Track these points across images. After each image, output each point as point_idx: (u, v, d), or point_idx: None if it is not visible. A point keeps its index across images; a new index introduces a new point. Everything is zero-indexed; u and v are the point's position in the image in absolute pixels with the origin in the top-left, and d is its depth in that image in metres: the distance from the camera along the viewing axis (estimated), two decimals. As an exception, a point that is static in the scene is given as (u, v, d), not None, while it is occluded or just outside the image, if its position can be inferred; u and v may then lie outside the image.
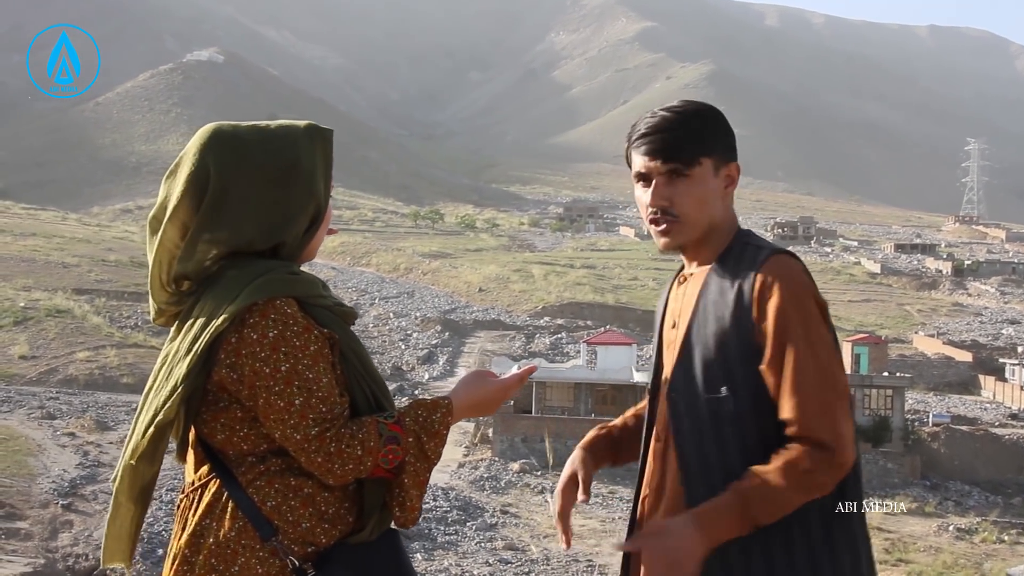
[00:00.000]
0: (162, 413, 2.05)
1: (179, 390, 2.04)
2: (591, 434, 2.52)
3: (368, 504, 2.12)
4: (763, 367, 2.09)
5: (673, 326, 2.32)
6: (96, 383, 39.00)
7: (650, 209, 2.27)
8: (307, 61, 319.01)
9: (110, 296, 52.81)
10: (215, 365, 2.04)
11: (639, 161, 2.29)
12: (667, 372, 2.29)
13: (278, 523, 2.04)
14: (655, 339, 2.42)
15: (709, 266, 2.27)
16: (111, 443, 29.26)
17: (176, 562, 2.09)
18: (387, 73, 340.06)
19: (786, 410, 2.06)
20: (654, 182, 2.27)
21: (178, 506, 2.17)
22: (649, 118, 2.31)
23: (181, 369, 2.04)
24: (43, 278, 53.86)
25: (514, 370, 2.29)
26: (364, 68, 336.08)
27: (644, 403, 2.45)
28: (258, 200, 2.10)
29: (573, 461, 2.44)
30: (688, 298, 2.29)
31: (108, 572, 20.46)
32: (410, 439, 2.06)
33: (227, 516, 2.06)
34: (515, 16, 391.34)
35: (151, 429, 2.06)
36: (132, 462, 2.10)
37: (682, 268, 2.39)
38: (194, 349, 2.03)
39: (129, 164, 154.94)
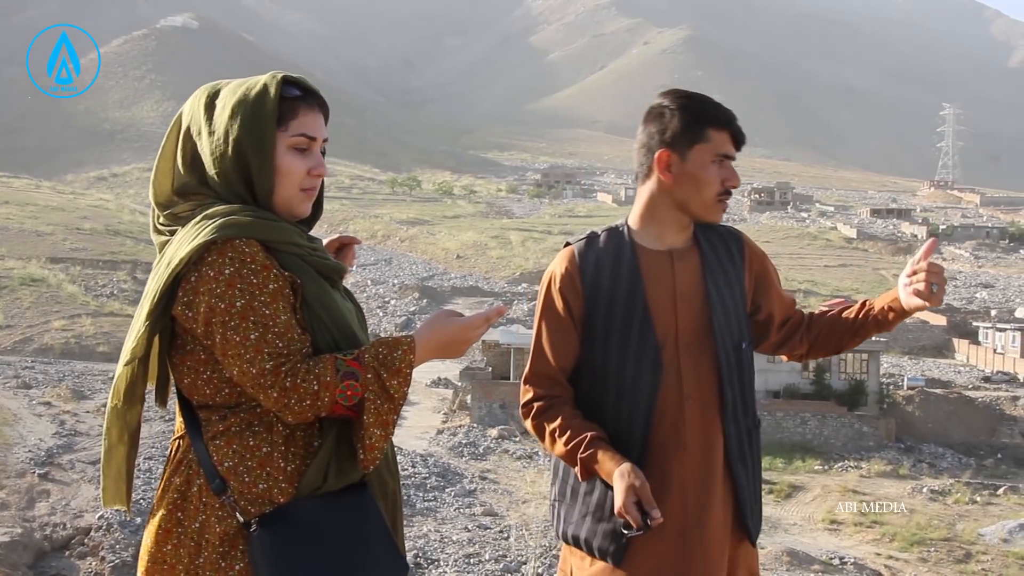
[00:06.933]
0: (130, 352, 2.07)
1: (144, 327, 2.06)
2: (608, 449, 2.47)
3: (322, 453, 2.08)
4: (772, 293, 2.74)
5: (673, 294, 2.60)
6: (72, 352, 38.83)
7: (728, 186, 2.58)
8: (283, 27, 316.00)
9: (85, 264, 52.48)
10: (175, 303, 2.05)
11: (730, 144, 2.59)
12: (693, 328, 2.58)
13: (233, 483, 2.03)
14: (637, 305, 2.57)
15: (688, 244, 2.64)
16: (87, 412, 29.16)
17: (150, 514, 2.14)
18: (364, 39, 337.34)
19: (789, 306, 2.82)
20: (731, 165, 2.60)
21: (168, 456, 2.22)
22: (724, 107, 2.64)
23: (146, 308, 2.07)
24: (17, 246, 53.42)
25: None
26: (341, 34, 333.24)
27: (566, 408, 2.57)
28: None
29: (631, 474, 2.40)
30: (690, 272, 2.61)
31: (86, 540, 20.48)
32: (368, 375, 2.03)
33: (191, 471, 2.08)
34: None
35: (124, 368, 2.10)
36: (115, 403, 2.14)
37: (621, 245, 2.62)
38: (158, 288, 2.05)
39: (103, 131, 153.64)
